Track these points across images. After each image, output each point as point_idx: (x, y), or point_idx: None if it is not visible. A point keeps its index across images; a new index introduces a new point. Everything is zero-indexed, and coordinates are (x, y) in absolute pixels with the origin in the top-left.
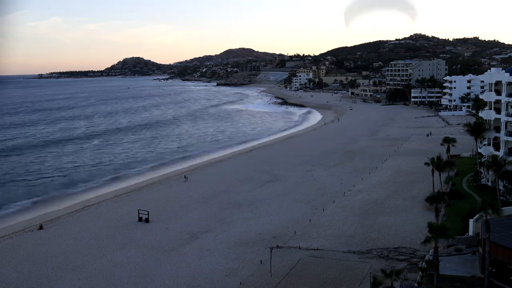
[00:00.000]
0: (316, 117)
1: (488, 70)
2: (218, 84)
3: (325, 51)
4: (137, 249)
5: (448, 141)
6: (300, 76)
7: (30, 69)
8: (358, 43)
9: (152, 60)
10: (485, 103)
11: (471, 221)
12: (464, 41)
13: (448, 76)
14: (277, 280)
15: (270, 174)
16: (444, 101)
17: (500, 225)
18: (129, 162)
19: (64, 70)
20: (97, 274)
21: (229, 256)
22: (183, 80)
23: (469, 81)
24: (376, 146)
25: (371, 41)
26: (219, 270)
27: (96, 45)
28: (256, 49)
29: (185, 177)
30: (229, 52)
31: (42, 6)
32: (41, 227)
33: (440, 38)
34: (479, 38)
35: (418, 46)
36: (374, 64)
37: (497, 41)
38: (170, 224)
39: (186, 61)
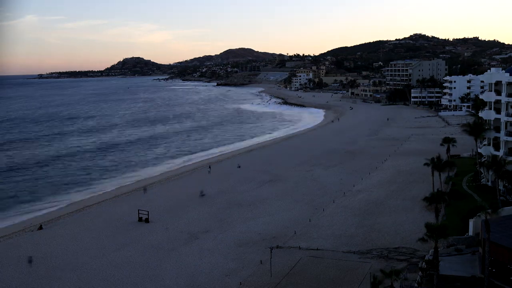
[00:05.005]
0: (316, 117)
1: (488, 70)
2: (218, 84)
3: (325, 51)
4: (137, 249)
5: (448, 141)
6: (300, 76)
7: (28, 69)
8: (358, 43)
9: (152, 60)
10: (485, 103)
11: (471, 221)
12: (464, 41)
13: (448, 76)
14: (277, 280)
15: (270, 174)
16: (444, 101)
17: (500, 225)
18: (129, 161)
19: (63, 70)
20: (97, 274)
21: (229, 256)
22: (183, 80)
23: (469, 81)
24: (376, 146)
25: (371, 41)
26: (219, 270)
27: (94, 45)
28: (256, 49)
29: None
30: (229, 52)
31: (13, 5)
32: (40, 227)
33: (440, 38)
34: (479, 38)
35: (418, 46)
36: (374, 64)
37: (497, 41)
38: (170, 224)
39: (186, 61)
